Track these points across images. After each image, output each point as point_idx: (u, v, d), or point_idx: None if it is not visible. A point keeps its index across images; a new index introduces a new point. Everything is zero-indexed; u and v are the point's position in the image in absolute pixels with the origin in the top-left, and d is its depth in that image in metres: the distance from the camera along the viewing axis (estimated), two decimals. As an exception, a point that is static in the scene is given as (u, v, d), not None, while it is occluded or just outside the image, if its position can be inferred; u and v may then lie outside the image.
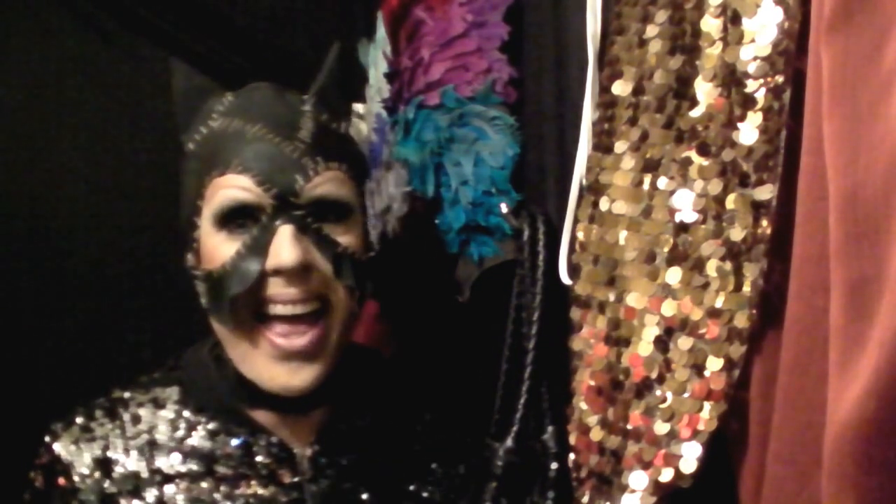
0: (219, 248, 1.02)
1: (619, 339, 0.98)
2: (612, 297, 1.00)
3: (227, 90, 1.09)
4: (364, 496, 1.09)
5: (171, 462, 1.06)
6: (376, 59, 1.38)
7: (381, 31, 1.37)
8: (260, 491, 1.06)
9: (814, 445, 0.78)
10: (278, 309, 1.02)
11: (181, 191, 1.08)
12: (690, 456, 0.92)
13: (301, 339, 1.02)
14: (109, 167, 1.56)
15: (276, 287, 1.01)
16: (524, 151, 1.22)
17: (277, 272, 1.00)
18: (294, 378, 1.02)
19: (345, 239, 1.04)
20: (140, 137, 1.57)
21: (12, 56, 1.52)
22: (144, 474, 1.05)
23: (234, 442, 1.07)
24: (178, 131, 1.09)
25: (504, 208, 1.20)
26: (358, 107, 1.59)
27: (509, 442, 1.14)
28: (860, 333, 0.70)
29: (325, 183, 1.03)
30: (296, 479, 1.07)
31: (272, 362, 1.02)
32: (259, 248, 1.00)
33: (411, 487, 1.13)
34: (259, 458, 1.07)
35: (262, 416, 1.08)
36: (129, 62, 1.56)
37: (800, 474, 0.82)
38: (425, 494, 1.13)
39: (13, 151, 1.52)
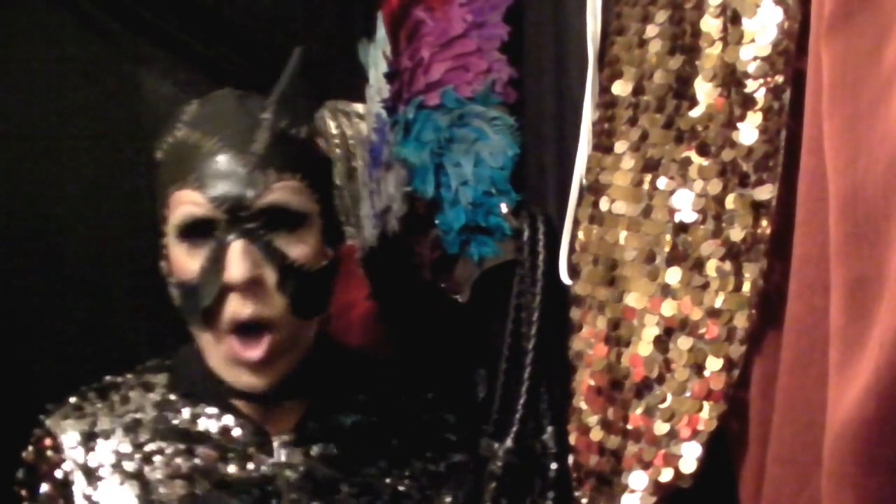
0: (183, 259, 1.07)
1: (619, 339, 0.98)
2: (612, 297, 0.99)
3: (225, 88, 1.12)
4: (338, 486, 1.13)
5: (153, 440, 1.11)
6: (376, 59, 1.38)
7: (381, 32, 1.37)
8: (236, 472, 1.10)
9: (814, 445, 0.78)
10: (237, 318, 1.06)
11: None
12: (690, 456, 0.92)
13: (254, 351, 1.06)
14: (109, 167, 1.56)
15: (232, 303, 1.06)
16: (524, 151, 1.22)
17: (230, 287, 1.05)
18: (257, 380, 1.08)
19: (297, 249, 1.07)
20: (140, 137, 1.57)
21: (12, 56, 1.52)
22: (127, 450, 1.11)
23: (215, 424, 1.12)
24: (151, 143, 1.12)
25: (504, 208, 1.20)
26: (358, 107, 1.59)
27: (509, 442, 1.14)
28: (860, 333, 0.70)
29: (277, 193, 1.06)
30: (270, 463, 1.11)
31: (233, 367, 1.08)
32: (217, 262, 1.05)
33: (387, 480, 1.15)
34: (237, 441, 1.12)
35: (243, 403, 1.13)
36: (129, 62, 1.56)
37: (800, 474, 0.82)
38: (402, 489, 1.15)
39: (13, 151, 1.52)
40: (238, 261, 1.03)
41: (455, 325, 1.33)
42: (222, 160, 1.05)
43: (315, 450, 1.14)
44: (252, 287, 1.05)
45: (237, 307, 1.05)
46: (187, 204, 1.06)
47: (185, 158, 1.07)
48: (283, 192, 1.06)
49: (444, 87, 1.24)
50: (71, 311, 1.55)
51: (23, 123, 1.53)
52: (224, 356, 1.08)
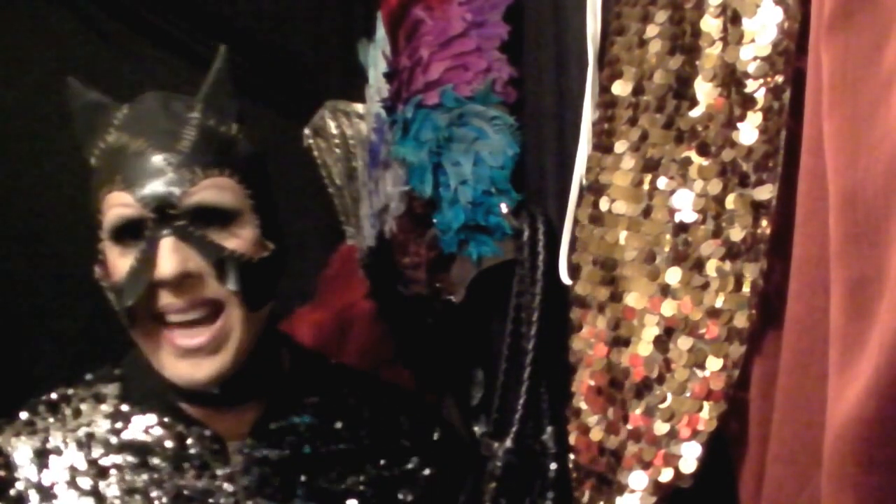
0: (116, 261, 1.07)
1: (619, 339, 0.98)
2: (611, 298, 0.99)
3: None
4: (294, 490, 1.12)
5: (107, 454, 1.10)
6: (376, 58, 1.38)
7: (381, 31, 1.37)
8: (193, 482, 1.10)
9: (814, 445, 0.78)
10: (172, 317, 1.06)
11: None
12: (690, 456, 0.92)
13: (198, 338, 1.05)
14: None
15: (165, 298, 1.05)
16: (524, 151, 1.22)
17: (162, 283, 1.04)
18: (197, 372, 1.06)
19: (231, 243, 1.06)
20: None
21: (12, 56, 1.52)
22: (81, 466, 1.10)
23: (168, 434, 1.11)
24: (83, 151, 1.12)
25: (504, 208, 1.20)
26: (358, 107, 1.59)
27: (508, 442, 1.13)
28: (860, 333, 0.70)
29: (204, 190, 1.06)
30: (227, 471, 1.11)
31: (175, 360, 1.06)
32: (147, 260, 1.04)
33: (343, 485, 1.15)
34: (192, 450, 1.11)
35: (196, 410, 1.12)
36: (129, 62, 1.57)
37: (800, 474, 0.82)
38: (358, 493, 1.15)
39: (13, 151, 1.53)
40: (168, 256, 1.03)
41: (454, 326, 1.33)
42: (149, 160, 1.05)
43: (271, 454, 1.13)
44: (185, 281, 1.04)
45: (170, 300, 1.04)
46: (117, 206, 1.05)
47: (114, 161, 1.07)
48: (210, 189, 1.06)
49: (444, 86, 1.24)
50: (71, 311, 1.55)
51: (23, 123, 1.53)
52: (166, 352, 1.06)
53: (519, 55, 1.25)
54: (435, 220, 1.25)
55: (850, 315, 0.71)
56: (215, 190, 1.06)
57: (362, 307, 1.54)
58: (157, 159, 1.05)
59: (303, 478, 1.13)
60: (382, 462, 1.17)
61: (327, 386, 1.21)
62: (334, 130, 1.63)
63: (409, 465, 1.18)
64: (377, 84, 1.38)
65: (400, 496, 1.17)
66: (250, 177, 1.10)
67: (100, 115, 1.11)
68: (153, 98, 1.11)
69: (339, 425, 1.18)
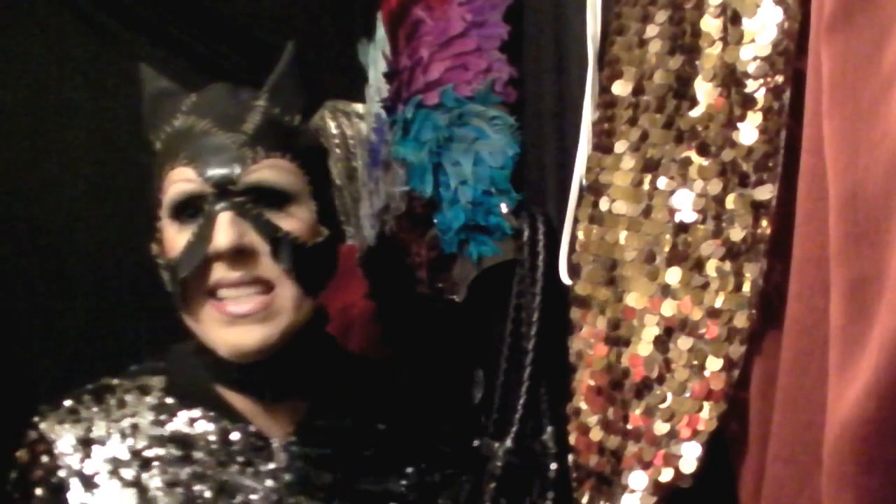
0: (174, 237, 1.08)
1: (619, 339, 0.98)
2: (612, 297, 0.99)
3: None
4: (336, 490, 1.12)
5: (151, 446, 1.11)
6: (376, 58, 1.38)
7: (381, 31, 1.37)
8: (235, 477, 1.10)
9: (814, 445, 0.78)
10: (224, 292, 1.07)
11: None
12: (690, 456, 0.92)
13: (249, 304, 1.06)
14: (109, 167, 1.56)
15: (220, 271, 1.06)
16: (524, 151, 1.22)
17: (218, 255, 1.05)
18: (246, 339, 1.07)
19: (287, 224, 1.08)
20: (140, 137, 1.57)
21: (12, 56, 1.52)
22: (124, 456, 1.10)
23: (213, 428, 1.12)
24: (149, 136, 1.14)
25: (504, 208, 1.20)
26: (358, 107, 1.59)
27: (508, 442, 1.13)
28: (860, 333, 0.70)
29: (265, 170, 1.08)
30: (271, 467, 1.11)
31: (224, 328, 1.07)
32: (204, 234, 1.06)
33: (384, 487, 1.15)
34: (236, 446, 1.11)
35: (241, 406, 1.13)
36: (129, 62, 1.57)
37: (800, 474, 0.82)
38: (402, 491, 1.16)
39: (13, 151, 1.52)
40: (225, 229, 1.04)
41: (454, 326, 1.33)
42: (213, 138, 1.08)
43: (315, 453, 1.13)
44: (241, 255, 1.05)
45: (224, 272, 1.06)
46: (179, 181, 1.08)
47: (179, 141, 1.09)
48: (271, 169, 1.08)
49: (444, 86, 1.24)
50: (71, 311, 1.55)
51: (23, 123, 1.53)
52: (216, 321, 1.07)
53: (519, 55, 1.25)
54: (435, 221, 1.25)
55: (850, 315, 0.71)
56: (275, 170, 1.08)
57: (362, 307, 1.54)
58: (222, 138, 1.08)
59: (345, 478, 1.13)
60: (423, 466, 1.18)
61: (371, 387, 1.22)
62: (334, 130, 1.63)
63: (449, 471, 1.18)
64: (377, 84, 1.38)
65: (440, 501, 1.17)
66: (310, 164, 1.12)
67: (169, 101, 1.13)
68: (221, 86, 1.15)
69: (381, 427, 1.18)
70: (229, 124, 1.09)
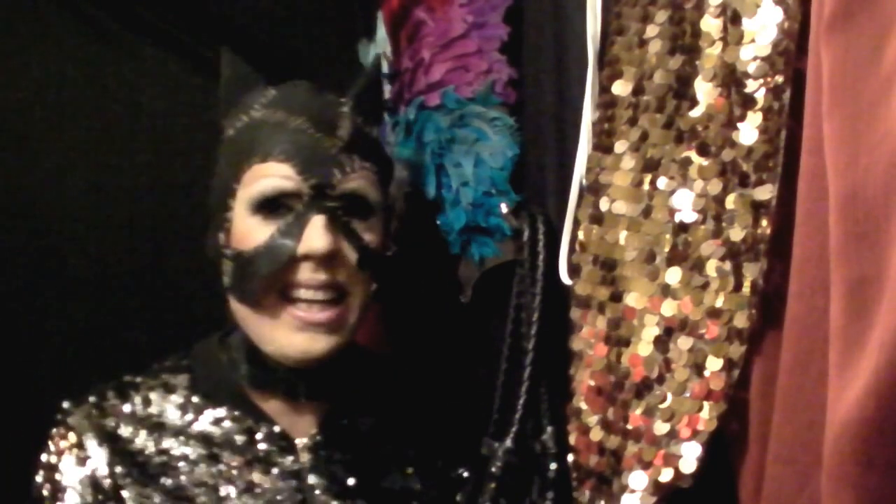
0: (252, 230, 1.07)
1: (619, 339, 0.99)
2: (611, 297, 1.00)
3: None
4: (359, 490, 1.12)
5: (177, 444, 1.10)
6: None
7: (382, 32, 1.37)
8: (260, 477, 1.10)
9: (814, 445, 0.78)
10: (301, 293, 1.07)
11: (215, 174, 1.13)
12: (690, 456, 0.92)
13: (322, 313, 1.07)
14: (109, 167, 1.56)
15: (304, 272, 1.07)
16: (524, 152, 1.22)
17: (308, 257, 1.06)
18: (314, 346, 1.07)
19: (367, 235, 1.09)
20: (140, 137, 1.57)
21: (12, 56, 1.52)
22: (151, 454, 1.09)
23: (238, 428, 1.11)
24: (220, 120, 1.13)
25: (504, 209, 1.20)
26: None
27: (508, 442, 1.13)
28: (860, 333, 0.70)
29: (359, 180, 1.08)
30: (296, 468, 1.11)
31: (293, 332, 1.07)
32: (293, 233, 1.06)
33: (406, 486, 1.15)
34: (261, 446, 1.11)
35: (266, 406, 1.12)
36: (129, 62, 1.56)
37: (800, 474, 0.82)
38: (421, 488, 1.15)
39: (13, 151, 1.52)
40: (321, 233, 1.05)
41: (455, 326, 1.33)
42: (310, 139, 1.08)
43: (338, 452, 1.13)
44: (329, 260, 1.06)
45: (308, 274, 1.06)
46: (272, 177, 1.07)
47: (269, 134, 1.08)
48: (363, 180, 1.09)
49: (445, 87, 1.24)
50: (71, 311, 1.55)
51: (23, 123, 1.53)
52: (284, 324, 1.07)
53: (519, 55, 1.25)
54: (438, 222, 1.25)
55: (850, 315, 0.71)
56: (366, 182, 1.09)
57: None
58: (323, 141, 1.08)
59: (367, 477, 1.13)
60: (441, 464, 1.18)
61: (391, 387, 1.22)
62: (334, 131, 1.63)
63: (466, 473, 1.18)
64: (377, 84, 1.37)
65: (459, 498, 1.17)
66: (385, 178, 1.14)
67: (248, 89, 1.13)
68: (305, 84, 1.13)
69: (401, 427, 1.19)
70: (325, 128, 1.09)
